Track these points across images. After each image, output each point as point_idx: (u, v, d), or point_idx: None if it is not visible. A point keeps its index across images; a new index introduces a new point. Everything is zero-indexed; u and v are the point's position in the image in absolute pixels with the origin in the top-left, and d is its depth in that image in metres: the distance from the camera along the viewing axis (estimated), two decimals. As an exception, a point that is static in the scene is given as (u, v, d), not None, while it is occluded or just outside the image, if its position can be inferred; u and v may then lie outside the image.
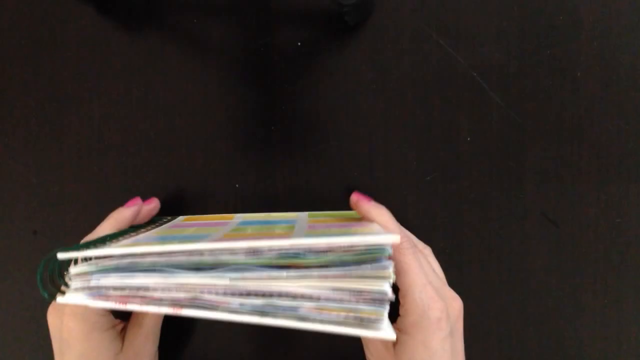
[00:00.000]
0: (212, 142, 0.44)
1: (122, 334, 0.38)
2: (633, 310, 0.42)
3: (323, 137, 0.44)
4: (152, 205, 0.42)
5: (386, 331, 0.26)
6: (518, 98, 0.43)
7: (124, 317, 0.39)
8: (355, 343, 0.43)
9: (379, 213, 0.36)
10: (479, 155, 0.43)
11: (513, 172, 0.43)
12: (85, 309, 0.34)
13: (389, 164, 0.43)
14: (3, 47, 0.46)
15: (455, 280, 0.42)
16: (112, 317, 0.37)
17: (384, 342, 0.35)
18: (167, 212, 0.44)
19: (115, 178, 0.45)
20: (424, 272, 0.34)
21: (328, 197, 0.43)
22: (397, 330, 0.34)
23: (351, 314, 0.26)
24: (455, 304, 0.35)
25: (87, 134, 0.45)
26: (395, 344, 0.34)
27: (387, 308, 0.26)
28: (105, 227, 0.37)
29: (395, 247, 0.33)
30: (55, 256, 0.28)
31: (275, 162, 0.44)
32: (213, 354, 0.44)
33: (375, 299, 0.26)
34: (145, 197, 0.42)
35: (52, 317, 0.36)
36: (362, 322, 0.26)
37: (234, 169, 0.44)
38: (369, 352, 0.37)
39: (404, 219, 0.43)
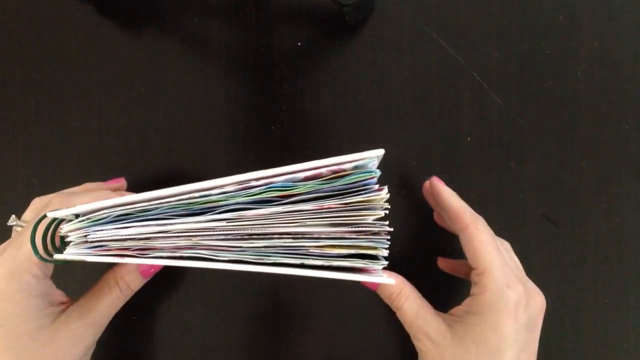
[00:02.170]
0: (212, 142, 0.44)
1: (59, 308, 0.32)
2: (633, 310, 0.42)
3: (323, 137, 0.44)
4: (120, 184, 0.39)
5: (385, 277, 0.26)
6: (518, 98, 0.43)
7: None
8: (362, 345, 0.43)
9: (451, 194, 0.34)
10: (479, 155, 0.43)
11: (513, 172, 0.43)
12: (20, 263, 0.30)
13: (389, 164, 0.43)
14: (3, 47, 0.46)
15: (455, 280, 0.42)
16: (50, 283, 0.33)
17: (439, 330, 0.31)
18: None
19: (114, 178, 0.45)
20: (503, 254, 0.32)
21: (328, 197, 0.43)
22: (465, 312, 0.31)
23: (352, 251, 0.25)
24: (538, 297, 0.32)
25: (87, 134, 0.45)
26: (456, 325, 0.31)
27: (385, 243, 0.26)
28: (80, 196, 0.34)
29: (470, 224, 0.32)
30: (45, 218, 0.27)
31: (275, 162, 0.44)
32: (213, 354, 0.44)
33: (374, 232, 0.26)
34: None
35: None
36: (364, 263, 0.25)
37: (234, 169, 0.44)
38: (419, 341, 0.33)
39: (405, 220, 0.43)
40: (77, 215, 0.27)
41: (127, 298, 0.34)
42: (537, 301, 0.32)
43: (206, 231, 0.26)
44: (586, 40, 0.43)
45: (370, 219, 0.26)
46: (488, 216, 0.43)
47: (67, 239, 0.27)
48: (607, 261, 0.42)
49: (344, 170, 0.26)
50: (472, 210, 0.34)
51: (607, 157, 0.43)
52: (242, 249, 0.26)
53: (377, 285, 0.33)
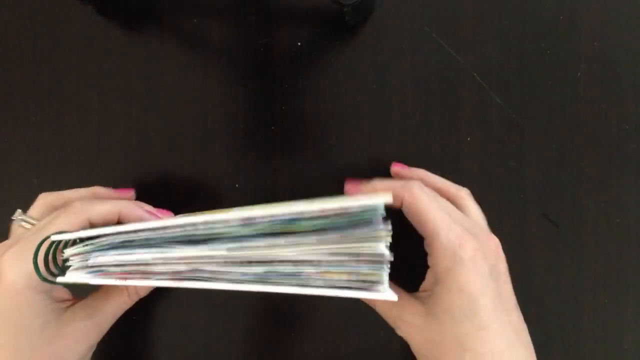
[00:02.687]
0: (212, 142, 0.44)
1: (64, 305, 0.33)
2: (633, 310, 0.42)
3: (323, 137, 0.44)
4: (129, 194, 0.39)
5: (387, 293, 0.25)
6: (518, 98, 0.43)
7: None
8: (362, 342, 0.43)
9: (375, 182, 0.33)
10: (479, 155, 0.43)
11: (513, 172, 0.43)
12: (29, 259, 0.29)
13: (389, 164, 0.43)
14: (3, 47, 0.46)
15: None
16: (62, 288, 0.33)
17: (414, 312, 0.31)
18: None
19: (115, 178, 0.45)
20: (446, 211, 0.31)
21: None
22: (431, 284, 0.30)
23: (353, 277, 0.25)
24: (491, 243, 0.31)
25: (87, 134, 0.45)
26: (427, 300, 0.30)
27: (386, 270, 0.26)
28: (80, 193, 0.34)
29: (404, 194, 0.31)
30: (48, 239, 0.27)
31: (275, 162, 0.44)
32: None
33: (374, 261, 0.26)
34: (145, 196, 0.42)
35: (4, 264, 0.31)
36: (364, 284, 0.25)
37: (234, 169, 0.44)
38: (399, 329, 0.32)
39: (405, 220, 0.43)
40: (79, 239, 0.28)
41: (133, 303, 0.35)
42: (492, 247, 0.31)
43: (207, 258, 0.26)
44: (586, 40, 0.43)
45: (371, 251, 0.26)
46: (488, 216, 0.43)
47: (67, 263, 0.27)
48: (607, 261, 0.42)
49: (350, 209, 0.26)
50: (403, 181, 0.32)
51: (607, 157, 0.43)
52: (243, 274, 0.26)
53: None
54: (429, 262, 0.31)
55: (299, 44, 0.44)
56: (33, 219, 0.34)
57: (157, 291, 0.43)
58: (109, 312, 0.33)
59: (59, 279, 0.27)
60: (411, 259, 0.35)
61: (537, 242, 0.43)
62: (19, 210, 0.35)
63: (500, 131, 0.43)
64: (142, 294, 0.35)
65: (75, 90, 0.45)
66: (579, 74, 0.43)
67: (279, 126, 0.44)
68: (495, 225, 0.43)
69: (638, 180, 0.42)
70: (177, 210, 0.44)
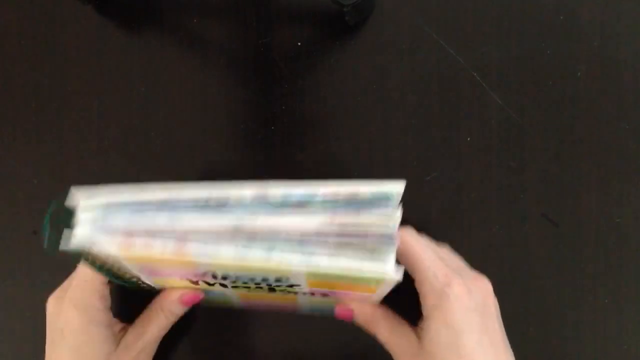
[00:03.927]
0: (212, 142, 0.44)
1: (120, 335, 0.37)
2: (633, 310, 0.42)
3: (323, 137, 0.44)
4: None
5: (391, 267, 0.25)
6: (518, 98, 0.43)
7: (124, 319, 0.39)
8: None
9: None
10: (479, 155, 0.43)
11: (513, 172, 0.43)
12: (86, 299, 0.34)
13: (389, 164, 0.43)
14: (3, 47, 0.46)
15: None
16: (110, 314, 0.37)
17: (410, 342, 0.33)
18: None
19: (115, 178, 0.45)
20: (435, 252, 0.33)
21: (328, 197, 0.43)
22: (424, 319, 0.32)
23: (359, 252, 0.25)
24: (480, 282, 0.33)
25: (87, 134, 0.45)
26: (422, 334, 0.32)
27: (394, 247, 0.26)
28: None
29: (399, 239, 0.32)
30: (59, 204, 0.28)
31: (275, 162, 0.44)
32: (213, 354, 0.44)
33: (382, 238, 0.26)
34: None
35: (52, 306, 0.36)
36: (371, 255, 0.25)
37: (234, 168, 0.44)
38: (395, 355, 0.34)
39: (404, 220, 0.43)
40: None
41: (171, 322, 0.37)
42: (480, 286, 0.33)
43: (215, 227, 0.26)
44: (586, 40, 0.43)
45: (380, 231, 0.26)
46: (488, 216, 0.43)
47: (76, 222, 0.27)
48: (607, 261, 0.42)
49: (362, 194, 0.26)
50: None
51: (607, 157, 0.43)
52: (247, 245, 0.26)
53: (351, 314, 0.34)
54: (421, 301, 0.33)
55: (299, 44, 0.44)
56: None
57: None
58: (154, 334, 0.37)
59: (66, 243, 0.27)
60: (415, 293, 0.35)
61: (537, 242, 0.43)
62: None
63: (500, 131, 0.43)
64: (179, 313, 0.37)
65: (75, 90, 0.45)
66: (579, 74, 0.43)
67: (279, 126, 0.44)
68: (495, 225, 0.43)
69: (638, 180, 0.42)
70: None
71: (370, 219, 0.26)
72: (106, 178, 0.45)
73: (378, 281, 0.27)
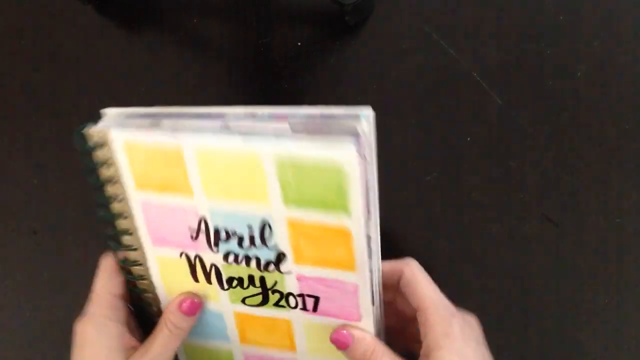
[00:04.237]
0: (212, 142, 0.44)
1: (131, 351, 0.36)
2: (633, 310, 0.42)
3: (323, 137, 0.44)
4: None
5: (352, 154, 0.28)
6: (518, 98, 0.43)
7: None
8: None
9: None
10: (479, 155, 0.43)
11: (513, 172, 0.43)
12: (100, 313, 0.35)
13: (389, 164, 0.43)
14: (3, 48, 0.46)
15: (455, 280, 0.42)
16: (124, 328, 0.36)
17: None
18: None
19: (115, 178, 0.45)
20: (435, 287, 0.34)
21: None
22: (429, 351, 0.33)
23: (326, 139, 0.29)
24: (473, 319, 0.35)
25: (87, 134, 0.45)
26: None
27: (358, 142, 0.28)
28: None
29: (407, 268, 0.35)
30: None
31: (275, 162, 0.44)
32: None
33: (348, 133, 0.29)
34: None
35: (79, 326, 0.36)
36: (335, 143, 0.28)
37: (234, 169, 0.44)
38: None
39: (404, 219, 0.43)
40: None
41: (180, 337, 0.36)
42: (474, 322, 0.35)
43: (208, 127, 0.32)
44: (586, 40, 0.43)
45: (346, 126, 0.30)
46: (488, 216, 0.43)
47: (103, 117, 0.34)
48: (607, 261, 0.42)
49: (336, 115, 0.31)
50: (401, 259, 0.36)
51: (607, 157, 0.43)
52: (229, 134, 0.31)
53: (350, 340, 0.33)
54: (424, 331, 0.33)
55: (299, 44, 0.44)
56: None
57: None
58: (158, 351, 0.36)
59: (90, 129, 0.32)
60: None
61: (537, 242, 0.43)
62: None
63: (500, 131, 0.43)
64: (182, 326, 0.36)
65: (76, 90, 0.45)
66: (579, 74, 0.43)
67: (279, 126, 0.44)
68: (496, 225, 0.43)
69: (638, 180, 0.42)
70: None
71: (339, 122, 0.30)
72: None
73: (340, 183, 0.29)
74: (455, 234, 0.43)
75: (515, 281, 0.43)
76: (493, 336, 0.44)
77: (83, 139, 0.32)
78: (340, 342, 0.33)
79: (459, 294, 0.42)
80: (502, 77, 0.43)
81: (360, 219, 0.29)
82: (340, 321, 0.33)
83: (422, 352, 0.33)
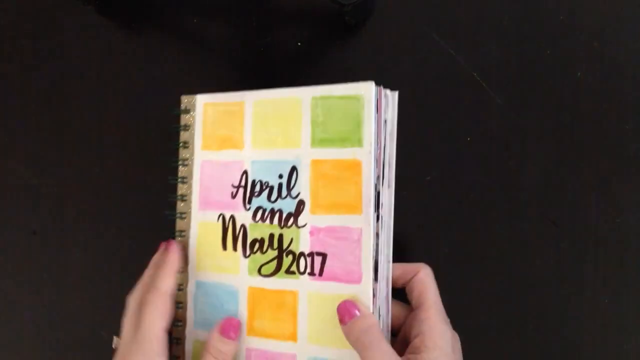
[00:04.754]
0: (212, 142, 0.44)
1: None
2: (633, 310, 0.42)
3: (323, 137, 0.44)
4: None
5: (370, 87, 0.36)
6: (518, 98, 0.43)
7: None
8: None
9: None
10: (479, 155, 0.43)
11: (513, 172, 0.43)
12: (147, 319, 0.35)
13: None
14: (3, 48, 0.46)
15: (454, 280, 0.42)
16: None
17: None
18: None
19: (115, 178, 0.45)
20: (439, 296, 0.36)
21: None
22: (417, 350, 0.34)
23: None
24: (456, 335, 0.37)
25: (87, 134, 0.45)
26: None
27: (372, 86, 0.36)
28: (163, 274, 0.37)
29: (424, 270, 0.37)
30: None
31: (275, 162, 0.44)
32: None
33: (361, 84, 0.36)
34: (144, 195, 0.42)
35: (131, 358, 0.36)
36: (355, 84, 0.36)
37: (234, 169, 0.44)
38: None
39: (404, 220, 0.43)
40: None
41: None
42: (458, 338, 0.37)
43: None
44: (586, 40, 0.43)
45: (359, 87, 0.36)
46: (488, 216, 0.43)
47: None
48: (607, 261, 0.42)
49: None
50: (417, 263, 0.38)
51: (607, 157, 0.43)
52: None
53: (354, 312, 0.34)
54: (415, 330, 0.35)
55: (299, 44, 0.44)
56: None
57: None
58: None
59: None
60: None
61: (537, 242, 0.43)
62: (116, 338, 0.38)
63: (500, 131, 0.43)
64: (226, 351, 0.37)
65: (76, 90, 0.45)
66: (579, 74, 0.43)
67: (279, 126, 0.44)
68: (496, 225, 0.43)
69: (638, 180, 0.42)
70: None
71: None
72: (106, 178, 0.45)
73: (358, 112, 0.35)
74: (455, 234, 0.43)
75: (516, 281, 0.43)
76: (493, 336, 0.44)
77: (178, 104, 0.40)
78: (346, 312, 0.34)
79: (459, 294, 0.43)
80: (502, 77, 0.43)
81: (370, 148, 0.34)
82: (342, 286, 0.35)
83: (414, 344, 0.34)
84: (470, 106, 0.43)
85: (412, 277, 0.37)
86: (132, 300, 0.37)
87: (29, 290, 0.45)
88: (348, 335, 0.34)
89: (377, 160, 0.35)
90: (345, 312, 0.34)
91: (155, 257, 0.38)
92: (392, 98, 0.37)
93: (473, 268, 0.43)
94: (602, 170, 0.43)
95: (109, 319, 0.45)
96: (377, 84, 0.36)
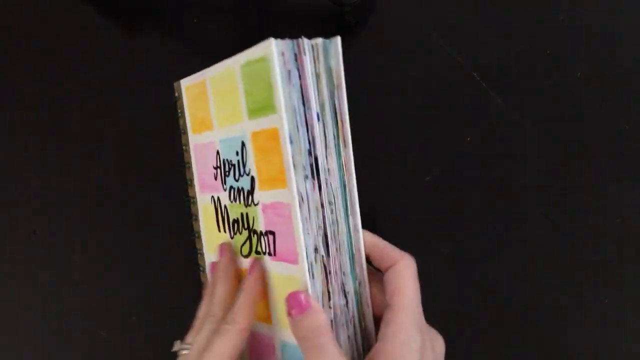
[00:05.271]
0: (212, 142, 0.44)
1: None
2: (633, 310, 0.42)
3: (323, 137, 0.44)
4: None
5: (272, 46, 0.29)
6: (518, 98, 0.43)
7: None
8: None
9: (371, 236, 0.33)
10: (479, 155, 0.43)
11: (513, 172, 0.43)
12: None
13: (389, 164, 0.43)
14: (3, 48, 0.46)
15: (454, 280, 0.42)
16: None
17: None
18: (166, 210, 0.44)
19: (115, 178, 0.45)
20: (418, 296, 0.32)
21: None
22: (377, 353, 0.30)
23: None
24: (440, 340, 0.33)
25: (87, 133, 0.45)
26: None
27: (279, 42, 0.29)
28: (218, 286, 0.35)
29: (404, 262, 0.32)
30: None
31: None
32: None
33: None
34: (145, 195, 0.42)
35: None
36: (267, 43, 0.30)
37: (234, 169, 0.44)
38: None
39: (404, 220, 0.43)
40: None
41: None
42: (440, 343, 0.32)
43: None
44: (586, 40, 0.43)
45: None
46: (488, 216, 0.43)
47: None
48: (607, 261, 0.42)
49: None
50: (403, 252, 0.33)
51: (607, 157, 0.43)
52: None
53: (305, 307, 0.30)
54: (380, 332, 0.31)
55: (299, 44, 0.44)
56: (189, 344, 0.34)
57: (162, 297, 0.43)
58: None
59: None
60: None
61: (537, 242, 0.43)
62: (178, 342, 0.36)
63: (500, 131, 0.43)
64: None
65: (75, 90, 0.45)
66: (579, 74, 0.43)
67: (279, 126, 0.44)
68: (496, 225, 0.43)
69: (638, 180, 0.42)
70: (175, 211, 0.44)
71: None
72: (106, 178, 0.45)
73: (268, 75, 0.30)
74: (455, 234, 0.43)
75: (515, 281, 0.43)
76: (492, 335, 0.44)
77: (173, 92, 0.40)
78: (295, 305, 0.30)
79: (458, 294, 0.43)
80: (502, 77, 0.43)
81: (281, 113, 0.29)
82: (288, 266, 0.31)
83: (375, 348, 0.30)
84: (470, 106, 0.43)
85: (389, 267, 0.32)
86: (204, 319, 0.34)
87: (29, 291, 0.45)
88: (293, 331, 0.30)
89: (307, 124, 0.30)
90: (293, 304, 0.30)
91: (223, 264, 0.36)
92: (331, 47, 0.32)
93: (472, 268, 0.43)
94: (602, 171, 0.43)
95: (109, 319, 0.45)
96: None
